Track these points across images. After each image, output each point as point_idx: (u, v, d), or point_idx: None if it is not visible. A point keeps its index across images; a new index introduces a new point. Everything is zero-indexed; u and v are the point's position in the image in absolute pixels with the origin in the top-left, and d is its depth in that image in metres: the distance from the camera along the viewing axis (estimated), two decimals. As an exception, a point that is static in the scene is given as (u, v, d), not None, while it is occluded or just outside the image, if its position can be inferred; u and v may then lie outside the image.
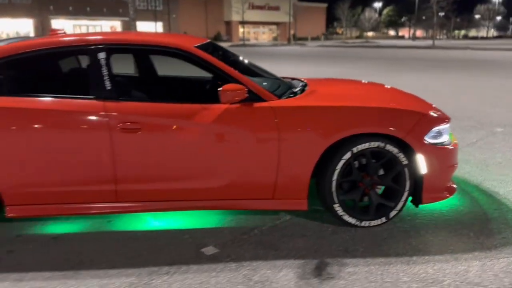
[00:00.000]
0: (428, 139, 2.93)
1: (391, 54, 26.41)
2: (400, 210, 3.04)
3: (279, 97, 2.98)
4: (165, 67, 4.70)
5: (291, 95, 3.08)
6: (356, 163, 2.96)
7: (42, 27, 48.68)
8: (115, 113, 2.79)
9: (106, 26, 55.79)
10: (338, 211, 2.97)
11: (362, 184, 3.00)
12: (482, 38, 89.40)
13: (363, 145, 2.87)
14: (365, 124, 2.86)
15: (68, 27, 52.95)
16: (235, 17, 64.30)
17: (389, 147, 2.90)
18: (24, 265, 2.63)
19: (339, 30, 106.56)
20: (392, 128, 2.86)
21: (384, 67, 17.01)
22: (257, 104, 2.87)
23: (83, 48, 2.94)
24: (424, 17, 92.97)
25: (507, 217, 3.18)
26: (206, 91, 3.13)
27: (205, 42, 3.27)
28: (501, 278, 2.41)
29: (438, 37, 49.46)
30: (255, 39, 71.79)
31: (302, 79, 3.70)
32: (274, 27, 74.80)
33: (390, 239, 2.89)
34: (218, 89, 2.78)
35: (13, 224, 3.15)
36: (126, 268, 2.58)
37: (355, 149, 2.88)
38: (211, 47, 3.24)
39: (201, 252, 2.76)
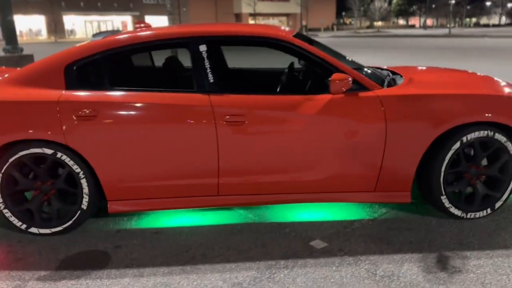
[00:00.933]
0: (535, 127, 2.85)
1: (410, 43, 26.07)
2: (505, 201, 2.96)
3: (381, 86, 2.90)
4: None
5: (392, 84, 3.00)
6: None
7: (54, 24, 48.86)
8: (221, 107, 2.74)
9: (117, 21, 55.83)
10: (445, 203, 2.90)
11: (468, 175, 2.92)
12: (494, 25, 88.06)
13: (473, 134, 2.79)
14: (476, 112, 2.77)
15: (79, 23, 53.18)
16: (245, 9, 64.00)
17: (498, 136, 2.81)
18: (138, 260, 2.60)
19: (346, 21, 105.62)
20: (502, 116, 2.78)
21: (411, 56, 16.78)
22: (362, 94, 2.80)
23: (183, 41, 2.89)
24: (434, 6, 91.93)
25: None
26: (305, 82, 3.06)
27: (295, 32, 3.20)
28: None
29: (449, 25, 48.68)
30: (265, 30, 71.32)
31: (389, 68, 3.61)
32: (284, 18, 74.31)
33: (500, 230, 2.82)
34: (328, 79, 2.71)
35: (109, 219, 3.12)
36: (242, 262, 2.54)
37: (464, 139, 2.80)
38: (303, 37, 3.16)
39: (311, 245, 2.71)
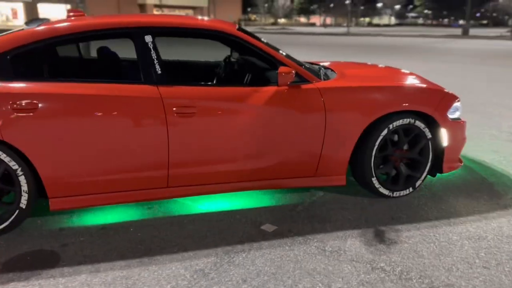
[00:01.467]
0: (449, 115, 3.29)
1: (316, 41, 27.44)
2: (423, 180, 3.38)
3: (319, 79, 3.14)
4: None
5: (327, 77, 3.25)
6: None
7: None
8: (171, 98, 2.76)
9: (6, 8, 50.80)
10: (375, 184, 3.23)
11: (393, 158, 3.28)
12: (385, 25, 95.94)
13: (398, 121, 3.15)
14: (402, 102, 3.12)
15: (-41, 8, 47.43)
16: (150, 0, 62.07)
17: (418, 123, 3.20)
18: (91, 257, 2.54)
19: (251, 17, 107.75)
20: (423, 106, 3.17)
21: (324, 53, 17.71)
22: (304, 86, 3.00)
23: (128, 31, 2.84)
24: (332, 5, 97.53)
25: (504, 181, 3.67)
26: (248, 74, 3.17)
27: (237, 26, 3.30)
28: (528, 230, 2.84)
29: (348, 24, 52.22)
30: (171, 24, 69.86)
31: (318, 63, 3.88)
32: (190, 11, 73.42)
33: (423, 206, 3.22)
34: (276, 71, 2.87)
35: (48, 218, 2.98)
36: (199, 250, 2.61)
37: (391, 126, 3.14)
38: (245, 32, 3.28)
39: (262, 229, 2.86)
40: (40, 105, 2.57)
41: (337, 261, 2.49)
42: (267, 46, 3.07)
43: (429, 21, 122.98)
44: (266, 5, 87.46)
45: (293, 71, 2.89)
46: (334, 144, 3.09)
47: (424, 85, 3.32)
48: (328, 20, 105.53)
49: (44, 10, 55.03)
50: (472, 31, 39.09)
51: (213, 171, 2.97)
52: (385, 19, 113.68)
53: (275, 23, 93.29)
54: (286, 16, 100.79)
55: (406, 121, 3.17)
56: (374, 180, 3.22)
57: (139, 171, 2.84)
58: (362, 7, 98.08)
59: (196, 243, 2.68)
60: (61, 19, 3.11)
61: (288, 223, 2.94)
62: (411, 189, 3.35)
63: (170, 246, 2.66)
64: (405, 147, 3.33)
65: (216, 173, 2.98)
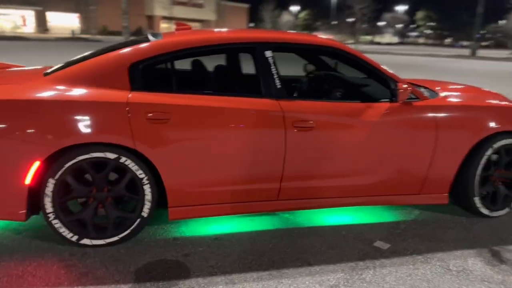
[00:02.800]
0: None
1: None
2: (519, 200, 3.39)
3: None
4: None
5: (431, 95, 3.28)
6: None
7: None
8: (291, 112, 2.78)
9: (17, 16, 51.19)
10: (477, 204, 3.24)
11: (493, 178, 3.30)
12: (387, 44, 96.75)
13: (502, 141, 3.17)
14: (505, 122, 3.15)
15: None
16: (158, 12, 62.64)
17: (517, 144, 3.23)
18: (218, 267, 2.52)
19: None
20: (523, 126, 3.20)
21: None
22: (416, 103, 3.03)
23: (249, 45, 2.88)
24: (335, 22, 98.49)
25: None
26: (361, 91, 3.19)
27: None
28: None
29: (348, 42, 52.65)
30: (178, 35, 70.42)
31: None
32: (197, 24, 74.04)
33: (524, 226, 3.22)
34: (395, 88, 2.90)
35: (153, 227, 2.97)
36: (324, 265, 2.60)
37: (495, 145, 3.16)
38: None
39: (376, 246, 2.85)
40: (172, 116, 2.59)
41: (468, 281, 2.49)
42: (377, 62, 3.11)
43: (430, 41, 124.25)
44: (271, 20, 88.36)
45: (410, 88, 2.92)
46: (442, 162, 3.10)
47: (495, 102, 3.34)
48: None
49: (53, 18, 55.50)
50: (479, 52, 39.46)
51: (323, 186, 2.98)
52: (386, 38, 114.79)
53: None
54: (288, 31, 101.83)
55: (509, 141, 3.19)
56: (477, 199, 3.23)
57: (254, 182, 2.85)
58: (365, 25, 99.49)
59: (315, 258, 2.68)
60: (175, 32, 3.15)
61: (399, 241, 2.94)
62: (507, 208, 3.36)
63: (291, 259, 2.65)
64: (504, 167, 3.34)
65: (326, 187, 2.99)
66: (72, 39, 38.53)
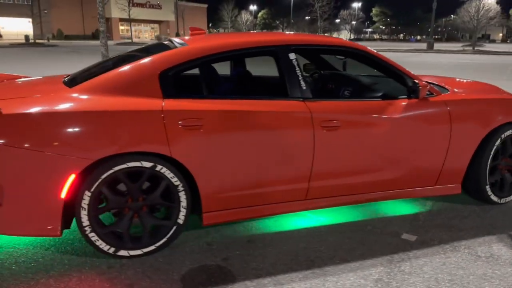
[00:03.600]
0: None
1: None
2: (523, 186, 3.60)
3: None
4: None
5: (443, 91, 3.42)
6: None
7: None
8: (318, 112, 2.83)
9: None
10: (488, 192, 3.41)
11: (501, 166, 3.48)
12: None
13: (508, 131, 3.35)
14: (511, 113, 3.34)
15: None
16: (115, 14, 61.22)
17: (521, 133, 3.42)
18: (262, 269, 2.54)
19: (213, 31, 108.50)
20: (530, 117, 3.40)
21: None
22: (432, 98, 3.16)
23: (272, 49, 2.91)
24: (292, 21, 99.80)
25: None
26: (387, 88, 3.28)
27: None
28: None
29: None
30: (137, 37, 69.15)
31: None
32: (156, 25, 72.94)
33: (531, 211, 3.42)
34: (418, 85, 3.00)
35: (185, 234, 2.95)
36: (361, 260, 2.67)
37: (503, 136, 3.34)
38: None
39: (405, 239, 2.95)
40: (205, 122, 2.58)
41: (498, 265, 2.63)
42: (393, 61, 3.21)
43: (385, 36, 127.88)
44: (229, 20, 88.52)
45: (428, 85, 3.04)
46: (456, 154, 3.25)
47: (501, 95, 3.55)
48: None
49: (5, 24, 53.21)
50: (435, 46, 41.00)
51: (348, 183, 3.05)
52: (343, 35, 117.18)
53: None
54: (248, 31, 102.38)
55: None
56: (488, 188, 3.40)
57: (284, 184, 2.88)
58: (323, 23, 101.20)
59: (350, 254, 2.74)
60: (197, 37, 3.13)
61: (423, 232, 3.05)
62: (515, 196, 3.56)
63: (328, 257, 2.71)
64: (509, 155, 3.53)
65: (351, 184, 3.06)
66: (27, 44, 37.02)
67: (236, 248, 2.79)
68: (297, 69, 2.90)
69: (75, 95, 2.53)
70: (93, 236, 2.53)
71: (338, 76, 3.61)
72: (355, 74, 3.76)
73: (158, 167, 2.56)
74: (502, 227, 3.14)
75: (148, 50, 3.03)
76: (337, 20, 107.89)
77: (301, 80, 2.90)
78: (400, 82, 3.17)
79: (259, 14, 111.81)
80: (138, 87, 2.58)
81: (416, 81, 3.04)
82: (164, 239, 2.69)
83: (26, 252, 2.69)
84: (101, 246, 2.56)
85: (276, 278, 2.47)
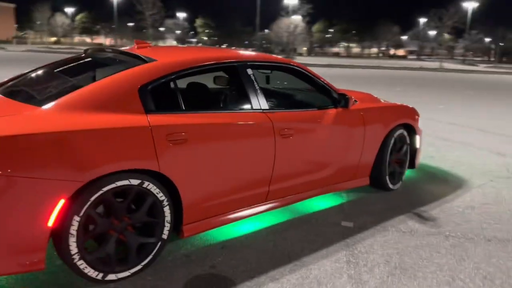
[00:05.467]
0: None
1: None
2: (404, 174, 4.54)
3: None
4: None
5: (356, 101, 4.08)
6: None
7: None
8: (278, 122, 3.16)
9: None
10: (387, 181, 4.21)
11: (392, 161, 4.33)
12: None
13: (397, 132, 4.22)
14: (402, 117, 4.21)
15: None
16: None
17: (405, 133, 4.34)
18: (253, 270, 2.73)
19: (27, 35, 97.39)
20: (411, 119, 4.33)
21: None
22: (352, 107, 3.78)
23: (234, 64, 3.12)
24: (114, 26, 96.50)
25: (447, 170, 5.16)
26: (321, 99, 3.71)
27: None
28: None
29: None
30: None
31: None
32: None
33: (414, 190, 4.35)
34: (348, 97, 3.57)
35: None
36: (325, 248, 3.08)
37: (395, 135, 4.19)
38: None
39: (346, 226, 3.49)
40: (189, 135, 2.66)
41: (421, 236, 3.36)
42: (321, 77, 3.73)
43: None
44: (39, 22, 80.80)
45: (353, 97, 3.65)
46: (368, 151, 3.95)
47: (403, 104, 4.49)
48: (108, 41, 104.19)
49: None
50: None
51: (297, 183, 3.44)
52: (168, 43, 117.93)
53: (57, 42, 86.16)
54: (65, 35, 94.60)
55: (400, 131, 4.26)
56: (387, 177, 4.20)
57: (251, 189, 3.12)
58: (147, 30, 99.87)
59: (314, 244, 3.13)
60: (164, 49, 3.16)
61: (355, 219, 3.63)
62: (400, 182, 4.46)
63: (299, 250, 3.03)
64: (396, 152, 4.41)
65: (299, 184, 3.46)
66: None
67: (216, 256, 2.90)
68: (255, 83, 3.16)
69: (54, 113, 2.32)
70: (81, 264, 2.36)
71: (276, 91, 4.01)
72: (282, 88, 4.19)
73: (145, 184, 2.52)
74: (405, 206, 3.94)
75: (101, 63, 2.91)
76: (162, 29, 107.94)
77: (260, 93, 3.17)
78: (327, 95, 3.69)
79: (78, 17, 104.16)
80: (118, 103, 2.50)
81: (346, 94, 3.62)
82: (150, 257, 2.65)
83: (-9, 296, 2.33)
84: (89, 274, 2.40)
85: (269, 275, 2.69)
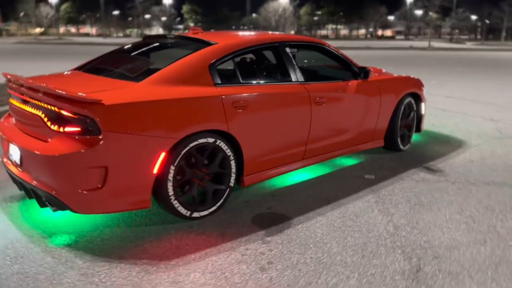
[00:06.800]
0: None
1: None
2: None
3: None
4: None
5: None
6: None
7: None
8: (312, 91, 3.81)
9: None
10: (399, 143, 4.90)
11: (403, 125, 5.01)
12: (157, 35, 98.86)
13: (407, 99, 4.89)
14: (411, 86, 4.89)
15: None
16: None
17: (413, 101, 5.02)
18: (302, 210, 3.42)
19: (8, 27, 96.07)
20: (417, 89, 5.01)
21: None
22: (370, 79, 4.44)
23: (275, 44, 3.77)
24: (98, 15, 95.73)
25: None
26: (342, 73, 4.37)
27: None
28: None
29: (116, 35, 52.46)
30: None
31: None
32: None
33: (413, 152, 5.06)
34: (367, 70, 4.23)
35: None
36: (355, 193, 3.77)
37: (405, 102, 4.86)
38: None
39: (368, 178, 4.17)
40: (249, 103, 3.30)
41: (430, 183, 4.06)
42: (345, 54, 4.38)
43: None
44: (22, 13, 79.81)
45: (372, 70, 4.31)
46: (383, 117, 4.62)
47: (410, 76, 5.16)
48: (94, 31, 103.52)
49: None
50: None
51: (327, 144, 4.11)
52: (154, 30, 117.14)
53: (43, 33, 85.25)
54: (50, 25, 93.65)
55: (409, 99, 4.94)
56: (399, 140, 4.89)
57: (293, 148, 3.78)
58: (130, 18, 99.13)
59: (346, 192, 3.81)
60: (223, 33, 3.84)
61: (375, 173, 4.32)
62: (409, 144, 5.16)
63: (334, 196, 3.71)
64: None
65: (329, 145, 4.13)
66: None
67: (269, 201, 3.57)
68: (293, 60, 3.81)
69: (149, 87, 2.94)
70: (176, 203, 3.02)
71: (306, 67, 4.68)
72: (310, 65, 4.86)
73: (218, 142, 3.17)
74: (415, 162, 4.64)
75: (179, 44, 3.57)
76: (147, 16, 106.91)
77: (297, 68, 3.81)
78: (349, 69, 4.35)
79: (62, 7, 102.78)
80: (194, 78, 3.13)
81: (366, 67, 4.28)
82: (222, 200, 3.30)
83: (111, 231, 2.99)
84: (181, 211, 3.06)
85: (316, 212, 3.37)
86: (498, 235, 3.03)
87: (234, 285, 2.39)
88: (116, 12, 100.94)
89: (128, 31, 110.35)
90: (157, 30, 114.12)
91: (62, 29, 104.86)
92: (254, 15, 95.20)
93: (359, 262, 2.64)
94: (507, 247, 2.86)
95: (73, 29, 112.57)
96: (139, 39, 4.06)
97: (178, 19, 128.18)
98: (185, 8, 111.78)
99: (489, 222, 3.24)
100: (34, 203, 3.31)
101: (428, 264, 2.63)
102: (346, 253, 2.74)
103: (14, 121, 3.22)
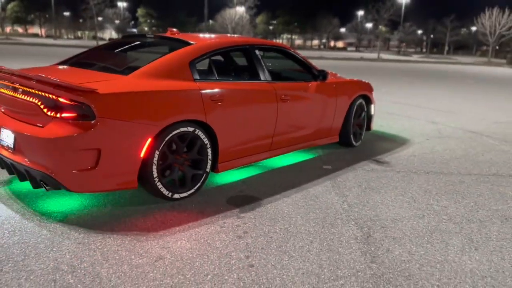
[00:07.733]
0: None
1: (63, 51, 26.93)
2: (363, 134, 5.85)
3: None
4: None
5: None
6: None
7: None
8: (279, 90, 4.30)
9: None
10: (352, 138, 5.49)
11: (355, 122, 5.61)
12: (110, 39, 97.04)
13: (358, 101, 5.49)
14: (362, 89, 5.49)
15: None
16: None
17: (363, 102, 5.64)
18: (278, 187, 3.88)
19: None
20: (368, 92, 5.63)
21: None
22: (328, 81, 4.99)
23: (246, 47, 4.22)
24: (48, 16, 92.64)
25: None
26: (303, 75, 4.86)
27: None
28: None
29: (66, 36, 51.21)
30: None
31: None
32: None
33: (370, 144, 5.68)
34: (326, 72, 4.77)
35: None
36: (324, 181, 4.28)
37: (357, 103, 5.46)
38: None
39: (326, 168, 4.70)
40: (224, 97, 3.73)
41: (380, 172, 4.64)
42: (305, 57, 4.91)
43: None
44: None
45: (330, 73, 4.86)
46: (338, 115, 5.18)
47: (362, 80, 5.79)
48: (44, 31, 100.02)
49: None
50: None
51: (290, 137, 4.61)
52: (107, 33, 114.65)
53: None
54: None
55: (360, 101, 5.55)
56: (351, 136, 5.48)
57: (261, 139, 4.23)
58: (81, 20, 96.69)
59: (313, 179, 4.32)
60: (200, 35, 4.20)
61: (331, 164, 4.87)
62: (360, 140, 5.76)
63: (304, 182, 4.20)
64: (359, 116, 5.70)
65: (291, 138, 4.63)
66: None
67: (240, 186, 3.99)
68: (261, 61, 4.28)
69: (137, 79, 3.30)
70: (159, 185, 3.38)
71: (272, 69, 5.17)
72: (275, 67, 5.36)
73: (197, 131, 3.57)
74: (366, 156, 5.23)
75: (157, 43, 3.92)
76: (100, 18, 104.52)
77: (265, 69, 4.29)
78: (310, 71, 4.88)
79: (9, 6, 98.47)
80: (176, 73, 3.52)
81: (324, 70, 4.82)
82: (199, 183, 3.69)
83: (99, 210, 3.30)
84: (164, 192, 3.42)
85: (282, 194, 3.81)
86: (434, 211, 3.62)
87: (217, 249, 2.79)
88: (67, 13, 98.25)
89: (79, 33, 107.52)
90: (110, 33, 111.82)
91: (8, 29, 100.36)
92: (211, 21, 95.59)
93: (320, 231, 3.12)
94: (440, 220, 3.44)
95: (20, 29, 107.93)
96: (92, 42, 4.42)
97: (132, 22, 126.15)
98: (140, 11, 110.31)
99: (427, 201, 3.83)
100: (22, 187, 3.55)
101: (376, 231, 3.16)
102: (309, 225, 3.22)
103: (2, 109, 3.46)
